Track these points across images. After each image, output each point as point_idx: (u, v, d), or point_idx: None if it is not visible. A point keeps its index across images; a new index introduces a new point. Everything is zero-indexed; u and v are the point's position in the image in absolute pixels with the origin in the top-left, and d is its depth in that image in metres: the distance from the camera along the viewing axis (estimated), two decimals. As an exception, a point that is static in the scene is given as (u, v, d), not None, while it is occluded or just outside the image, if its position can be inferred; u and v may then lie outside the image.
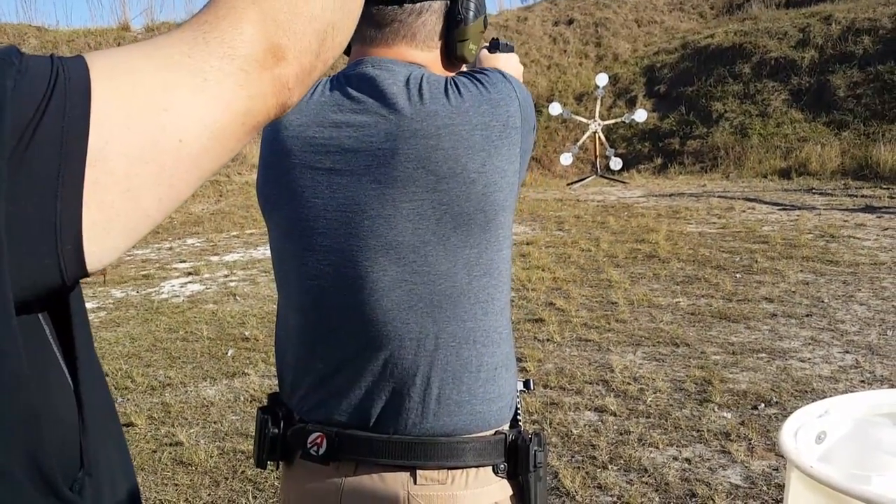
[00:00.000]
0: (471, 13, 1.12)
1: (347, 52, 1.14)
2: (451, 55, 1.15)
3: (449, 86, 1.07)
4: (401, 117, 1.04)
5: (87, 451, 0.54)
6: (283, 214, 1.13)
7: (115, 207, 0.51)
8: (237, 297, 5.99)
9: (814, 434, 1.45)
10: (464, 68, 1.21)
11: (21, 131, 0.46)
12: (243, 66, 0.57)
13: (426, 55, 1.13)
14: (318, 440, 1.11)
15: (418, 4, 1.09)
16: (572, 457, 3.09)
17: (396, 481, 1.08)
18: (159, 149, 0.52)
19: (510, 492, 1.13)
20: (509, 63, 1.31)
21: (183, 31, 0.57)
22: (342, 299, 1.09)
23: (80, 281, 0.54)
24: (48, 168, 0.47)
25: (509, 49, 1.35)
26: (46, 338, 0.52)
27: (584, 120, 12.58)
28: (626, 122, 12.60)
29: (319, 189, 1.08)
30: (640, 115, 12.10)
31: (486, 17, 1.17)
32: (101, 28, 14.68)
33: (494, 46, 1.34)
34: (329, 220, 1.08)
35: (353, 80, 1.10)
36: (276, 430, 1.16)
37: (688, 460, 3.02)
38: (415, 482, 1.07)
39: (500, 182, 1.07)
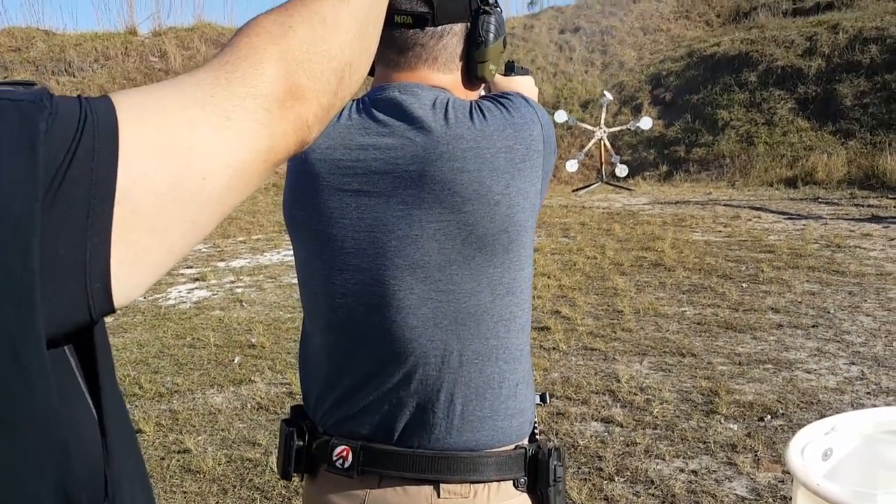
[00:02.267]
0: (491, 35, 1.14)
1: (371, 72, 1.16)
2: (472, 76, 1.17)
3: (474, 110, 1.09)
4: (427, 140, 1.07)
5: (111, 480, 0.55)
6: (311, 235, 1.15)
7: (142, 245, 0.53)
8: (244, 304, 6.02)
9: (820, 451, 1.46)
10: (483, 88, 1.24)
11: (53, 173, 0.48)
12: (265, 106, 0.59)
13: (447, 77, 1.15)
14: (344, 453, 1.13)
15: (440, 27, 1.12)
16: (579, 468, 3.10)
17: (420, 494, 1.10)
18: (184, 187, 0.54)
19: None
20: (525, 86, 1.34)
21: (205, 71, 0.59)
22: (369, 317, 1.12)
23: None
24: (78, 209, 0.49)
25: (525, 72, 1.38)
26: (73, 370, 0.54)
27: (590, 127, 12.61)
28: (632, 129, 12.62)
29: (347, 210, 1.11)
30: (646, 123, 12.13)
31: (505, 38, 1.19)
32: (108, 32, 14.76)
33: (510, 69, 1.37)
34: (357, 240, 1.11)
35: (379, 103, 1.12)
36: (302, 443, 1.19)
37: (694, 472, 3.03)
38: (438, 496, 1.10)
39: (523, 203, 1.10)
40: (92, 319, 0.52)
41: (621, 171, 12.07)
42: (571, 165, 12.13)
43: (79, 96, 0.53)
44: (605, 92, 12.63)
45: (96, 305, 0.51)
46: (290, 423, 1.22)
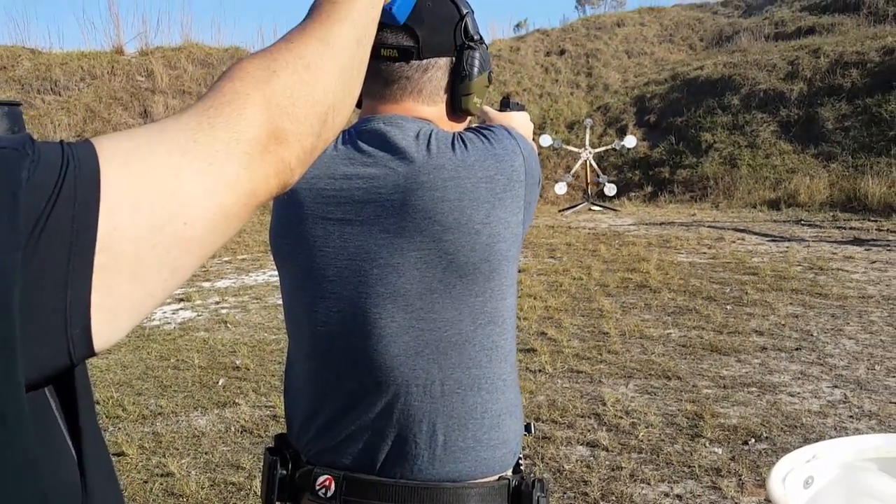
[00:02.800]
0: (475, 69, 1.16)
1: (359, 105, 1.18)
2: (456, 108, 1.19)
3: (456, 141, 1.11)
4: (409, 170, 1.09)
5: None
6: (295, 263, 1.17)
7: (122, 291, 0.53)
8: (228, 325, 5.98)
9: (802, 479, 1.47)
10: (468, 120, 1.26)
11: (34, 221, 0.48)
12: (247, 150, 0.59)
13: (432, 109, 1.17)
14: (327, 483, 1.14)
15: (425, 61, 1.14)
16: (564, 493, 3.09)
17: None
18: (165, 233, 0.54)
19: None
20: (520, 121, 1.36)
21: (189, 115, 0.59)
22: (351, 345, 1.12)
23: None
24: (59, 256, 0.49)
25: (520, 108, 1.40)
26: (52, 412, 0.53)
27: (575, 149, 12.72)
28: (617, 148, 12.74)
29: (331, 238, 1.13)
30: (630, 142, 12.27)
31: (490, 72, 1.22)
32: (94, 51, 14.71)
33: (506, 105, 1.40)
34: (339, 268, 1.12)
35: (364, 135, 1.14)
36: (285, 472, 1.20)
37: (679, 496, 3.03)
38: None
39: (504, 233, 1.11)
40: (72, 364, 0.52)
41: (610, 189, 12.17)
42: (560, 188, 12.21)
43: (61, 142, 0.53)
44: (588, 119, 12.95)
45: (76, 350, 0.51)
46: (274, 452, 1.23)
